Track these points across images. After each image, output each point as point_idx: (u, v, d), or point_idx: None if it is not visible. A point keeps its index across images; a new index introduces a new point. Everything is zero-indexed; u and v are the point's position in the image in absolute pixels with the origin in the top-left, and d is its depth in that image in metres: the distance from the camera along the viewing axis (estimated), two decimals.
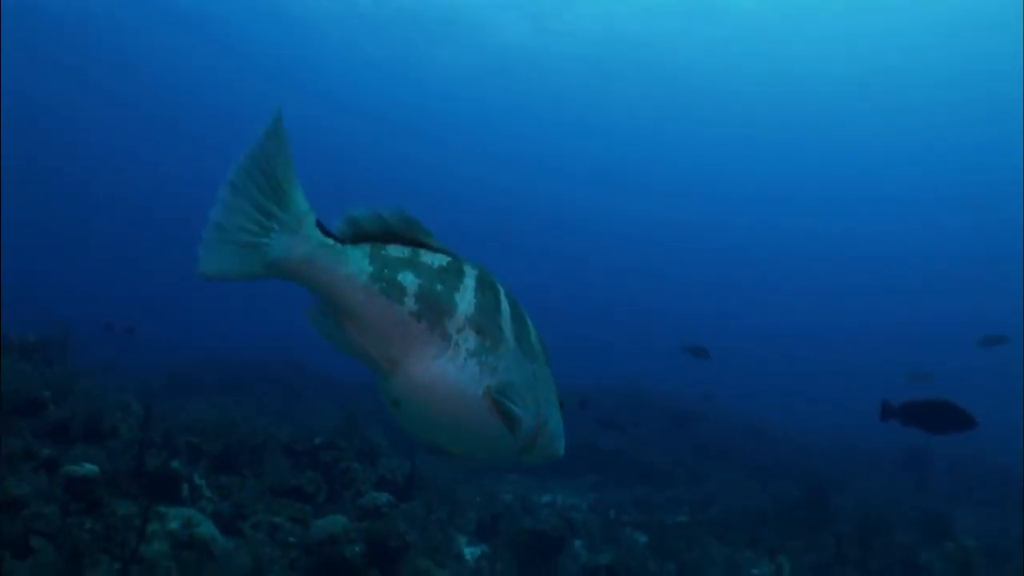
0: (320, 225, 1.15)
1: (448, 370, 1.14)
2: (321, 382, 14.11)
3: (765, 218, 42.56)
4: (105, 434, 4.59)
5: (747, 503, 7.19)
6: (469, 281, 1.19)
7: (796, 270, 44.18)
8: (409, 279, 1.15)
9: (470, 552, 5.06)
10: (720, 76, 31.58)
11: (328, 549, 3.53)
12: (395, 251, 1.17)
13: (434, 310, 1.15)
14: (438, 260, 1.19)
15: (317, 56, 31.57)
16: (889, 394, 4.83)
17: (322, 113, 35.22)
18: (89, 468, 3.43)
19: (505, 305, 1.23)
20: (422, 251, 1.19)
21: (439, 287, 1.16)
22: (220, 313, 33.40)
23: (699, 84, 32.37)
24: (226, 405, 6.54)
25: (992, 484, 11.23)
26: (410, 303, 1.14)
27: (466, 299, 1.18)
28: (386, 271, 1.14)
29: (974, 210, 37.13)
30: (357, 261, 1.13)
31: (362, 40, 30.07)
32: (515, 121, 37.00)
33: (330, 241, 1.13)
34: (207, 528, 3.19)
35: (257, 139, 1.10)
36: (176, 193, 35.58)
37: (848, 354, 37.21)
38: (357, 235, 1.16)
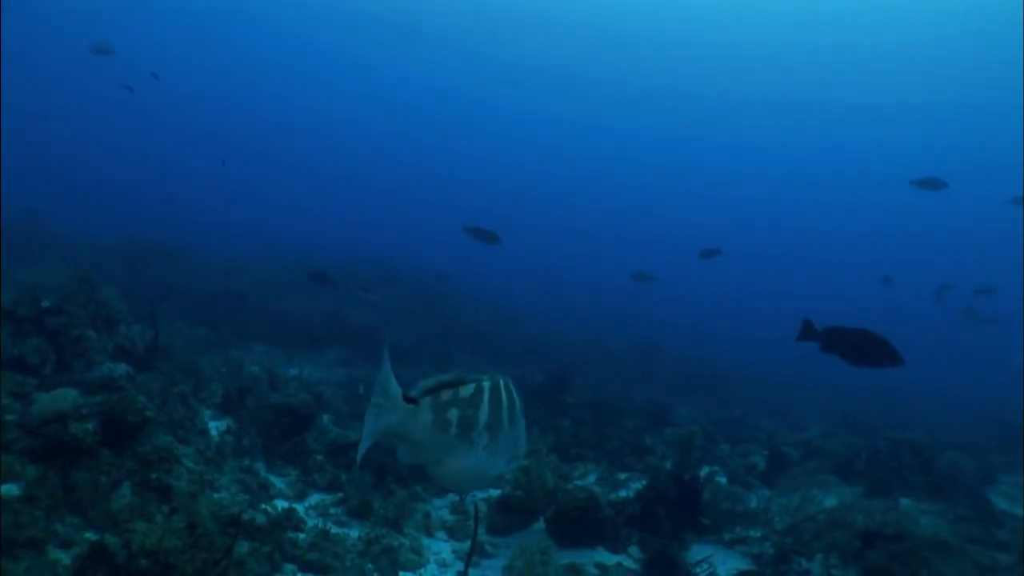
0: (406, 397, 1.80)
1: (470, 462, 1.87)
2: (50, 238, 12.78)
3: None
4: None
5: None
6: (485, 396, 1.88)
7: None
8: (454, 414, 1.83)
9: (215, 427, 4.89)
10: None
11: (54, 428, 3.21)
12: (445, 395, 1.84)
13: (466, 428, 1.84)
14: (468, 390, 1.87)
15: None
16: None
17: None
18: None
19: (505, 400, 1.91)
20: (461, 387, 1.86)
21: (469, 411, 1.85)
22: None
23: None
24: None
25: (705, 378, 12.66)
26: (453, 430, 1.83)
27: (483, 412, 1.87)
28: (439, 414, 1.82)
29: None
30: (425, 414, 1.81)
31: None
32: None
33: (410, 407, 1.80)
34: None
35: (379, 372, 1.77)
36: None
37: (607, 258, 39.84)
38: (427, 391, 1.83)
